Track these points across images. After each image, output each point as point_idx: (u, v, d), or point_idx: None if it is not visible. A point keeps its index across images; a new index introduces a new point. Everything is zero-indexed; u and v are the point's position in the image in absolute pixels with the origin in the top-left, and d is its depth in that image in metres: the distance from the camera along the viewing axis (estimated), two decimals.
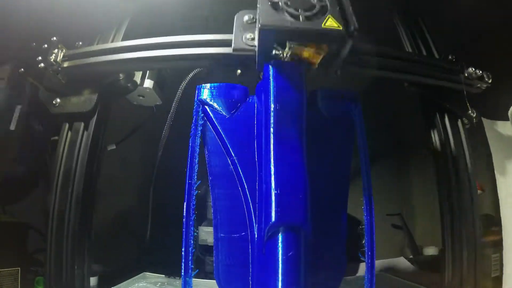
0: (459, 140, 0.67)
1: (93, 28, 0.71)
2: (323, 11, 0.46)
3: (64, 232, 0.61)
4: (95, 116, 0.65)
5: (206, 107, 0.53)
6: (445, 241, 0.65)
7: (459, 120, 0.68)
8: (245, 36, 0.52)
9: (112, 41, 0.69)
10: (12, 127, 0.73)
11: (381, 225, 0.50)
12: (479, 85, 0.67)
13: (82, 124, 0.65)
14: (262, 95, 0.50)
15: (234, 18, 0.54)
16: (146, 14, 0.74)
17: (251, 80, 0.55)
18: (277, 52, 0.47)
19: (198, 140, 0.50)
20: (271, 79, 0.48)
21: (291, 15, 0.45)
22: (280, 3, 0.46)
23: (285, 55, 0.46)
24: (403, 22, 0.76)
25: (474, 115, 0.66)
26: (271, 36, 0.46)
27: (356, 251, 0.51)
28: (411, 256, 1.04)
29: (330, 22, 0.45)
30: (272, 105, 0.47)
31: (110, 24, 0.71)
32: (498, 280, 0.75)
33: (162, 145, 0.63)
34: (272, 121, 0.46)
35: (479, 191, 0.89)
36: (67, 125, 0.66)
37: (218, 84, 0.53)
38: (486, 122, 0.79)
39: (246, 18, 0.52)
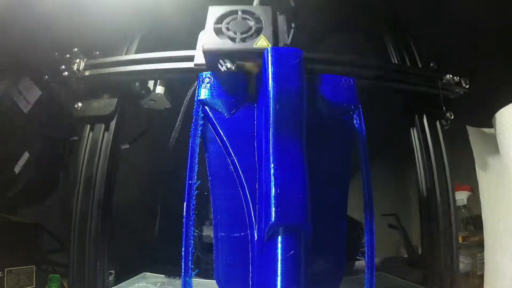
0: (437, 139, 0.75)
1: (108, 42, 0.79)
2: (258, 32, 0.54)
3: (87, 226, 0.67)
4: (115, 119, 0.72)
5: (206, 107, 0.53)
6: (423, 239, 0.71)
7: (438, 121, 0.76)
8: None
9: (126, 54, 0.77)
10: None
11: (377, 225, 0.51)
12: (457, 90, 0.75)
13: (103, 125, 0.72)
14: (261, 94, 0.50)
15: None
16: (155, 30, 0.83)
17: None
18: (223, 67, 0.54)
19: (198, 140, 0.51)
20: (271, 79, 0.48)
21: (230, 38, 0.54)
22: (222, 28, 0.55)
23: (232, 68, 0.53)
24: (391, 35, 0.85)
25: (452, 117, 0.75)
26: (213, 57, 0.54)
27: (356, 251, 0.51)
28: (406, 256, 1.05)
29: (261, 42, 0.54)
30: (272, 105, 0.47)
31: (124, 38, 0.80)
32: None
33: (172, 145, 0.65)
34: (271, 120, 0.46)
35: (469, 193, 0.92)
36: (88, 127, 0.73)
37: (218, 73, 0.55)
38: (471, 129, 0.84)
39: None
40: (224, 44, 0.54)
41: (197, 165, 0.50)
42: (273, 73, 0.48)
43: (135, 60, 0.69)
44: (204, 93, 0.53)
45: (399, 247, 1.09)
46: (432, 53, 0.81)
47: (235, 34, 0.54)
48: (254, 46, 0.53)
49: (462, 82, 0.74)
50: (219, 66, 0.54)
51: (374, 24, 0.87)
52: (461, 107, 0.76)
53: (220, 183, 0.50)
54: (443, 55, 0.80)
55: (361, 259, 0.50)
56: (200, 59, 0.59)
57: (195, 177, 0.49)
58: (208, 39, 0.54)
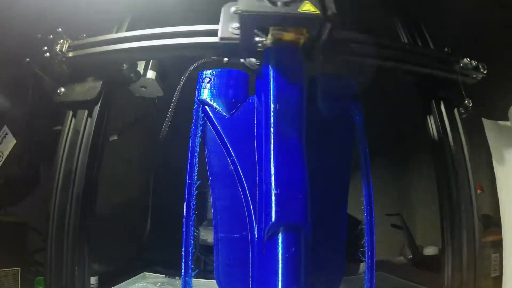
0: (456, 128, 0.69)
1: (96, 23, 0.73)
2: None
3: (65, 229, 0.62)
4: (99, 104, 0.66)
5: (206, 107, 0.53)
6: (444, 238, 0.66)
7: (455, 109, 0.70)
8: (231, 26, 0.53)
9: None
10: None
11: (381, 225, 0.50)
12: (474, 76, 0.69)
13: (86, 111, 0.66)
14: (262, 94, 0.50)
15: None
16: (146, 11, 0.77)
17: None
18: (259, 39, 0.48)
19: (198, 140, 0.50)
20: (271, 79, 0.48)
21: (270, 1, 0.46)
22: None
23: (267, 40, 0.48)
24: (400, 15, 0.78)
25: (470, 105, 0.68)
26: (251, 22, 0.47)
27: (356, 251, 0.51)
28: (410, 256, 1.04)
29: (307, 7, 0.46)
30: (272, 105, 0.47)
31: (112, 20, 0.74)
32: (498, 280, 0.76)
33: (163, 137, 0.62)
34: (272, 120, 0.46)
35: (478, 191, 0.89)
36: (71, 113, 0.67)
37: (218, 71, 0.54)
38: (487, 122, 0.80)
39: (232, 9, 0.53)
40: (264, 7, 0.46)
41: (197, 165, 0.50)
42: (273, 73, 0.48)
43: (120, 39, 0.63)
44: (204, 93, 0.53)
45: (403, 247, 1.08)
46: (447, 38, 0.75)
47: None
48: (299, 10, 0.46)
49: (480, 66, 0.69)
50: (254, 36, 0.48)
51: (385, 5, 0.81)
52: (475, 99, 0.70)
53: (220, 183, 0.50)
54: (456, 40, 0.74)
55: (362, 260, 0.50)
56: (226, 32, 0.53)
57: (195, 177, 0.49)
58: (245, 2, 0.46)
